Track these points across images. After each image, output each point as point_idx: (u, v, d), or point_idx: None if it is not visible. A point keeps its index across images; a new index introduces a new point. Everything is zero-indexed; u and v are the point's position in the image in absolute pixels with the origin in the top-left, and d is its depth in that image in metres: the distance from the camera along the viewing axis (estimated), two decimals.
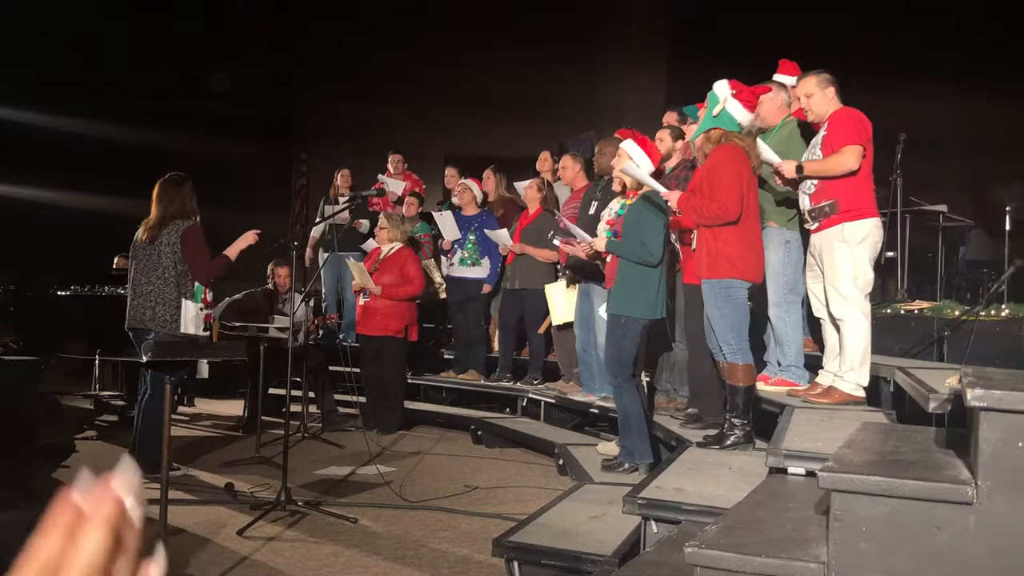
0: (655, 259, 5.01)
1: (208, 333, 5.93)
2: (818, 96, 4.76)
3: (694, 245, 5.01)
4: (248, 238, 5.94)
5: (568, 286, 6.76)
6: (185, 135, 11.58)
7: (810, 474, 3.14)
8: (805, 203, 4.77)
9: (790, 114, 5.42)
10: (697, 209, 4.71)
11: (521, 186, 8.16)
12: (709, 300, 4.73)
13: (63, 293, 9.14)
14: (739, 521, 2.64)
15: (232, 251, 5.92)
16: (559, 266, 7.06)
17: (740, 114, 4.71)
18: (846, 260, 4.59)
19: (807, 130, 5.23)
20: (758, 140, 4.85)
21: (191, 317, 5.74)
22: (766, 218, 5.10)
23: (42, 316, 9.38)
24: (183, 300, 5.72)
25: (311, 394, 8.03)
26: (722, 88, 4.72)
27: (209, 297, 5.88)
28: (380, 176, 9.63)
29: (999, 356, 5.22)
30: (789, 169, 4.68)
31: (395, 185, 9.53)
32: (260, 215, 11.27)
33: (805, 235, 5.15)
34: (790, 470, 3.29)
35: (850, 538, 2.19)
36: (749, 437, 4.63)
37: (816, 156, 4.72)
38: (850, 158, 4.54)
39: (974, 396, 2.06)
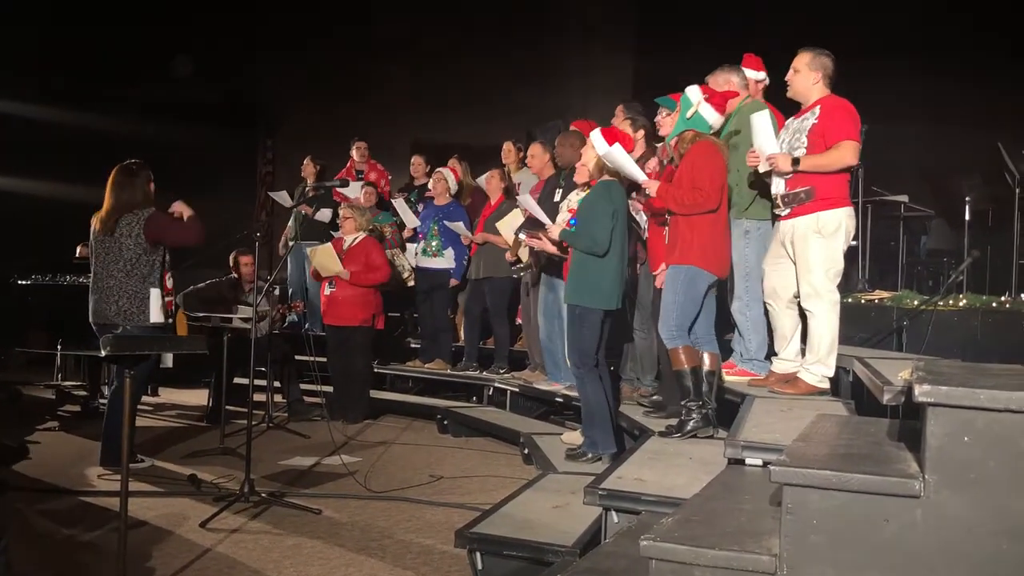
0: (601, 249, 5.06)
1: (171, 321, 5.83)
2: (803, 75, 4.68)
3: (667, 239, 4.99)
4: (181, 206, 5.86)
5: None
6: (149, 122, 11.42)
7: (767, 465, 3.17)
8: (779, 188, 4.67)
9: (748, 95, 5.39)
10: (677, 198, 4.73)
11: (481, 179, 8.14)
12: (669, 284, 4.78)
13: (24, 282, 8.99)
14: (695, 513, 2.67)
15: (188, 211, 5.82)
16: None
17: (712, 117, 4.80)
18: (820, 251, 4.55)
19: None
20: (760, 123, 4.69)
21: (159, 306, 5.63)
22: None
23: (2, 306, 9.23)
24: (151, 289, 5.59)
25: (276, 384, 7.99)
26: (695, 93, 4.82)
27: (169, 284, 5.77)
28: (354, 178, 9.53)
29: (957, 346, 5.32)
30: (785, 162, 4.55)
31: (352, 191, 9.05)
32: (225, 203, 11.21)
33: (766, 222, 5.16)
34: (747, 461, 3.33)
35: (801, 531, 2.22)
36: (707, 420, 4.67)
37: (802, 143, 4.61)
38: (849, 154, 4.47)
39: (922, 391, 2.09)
